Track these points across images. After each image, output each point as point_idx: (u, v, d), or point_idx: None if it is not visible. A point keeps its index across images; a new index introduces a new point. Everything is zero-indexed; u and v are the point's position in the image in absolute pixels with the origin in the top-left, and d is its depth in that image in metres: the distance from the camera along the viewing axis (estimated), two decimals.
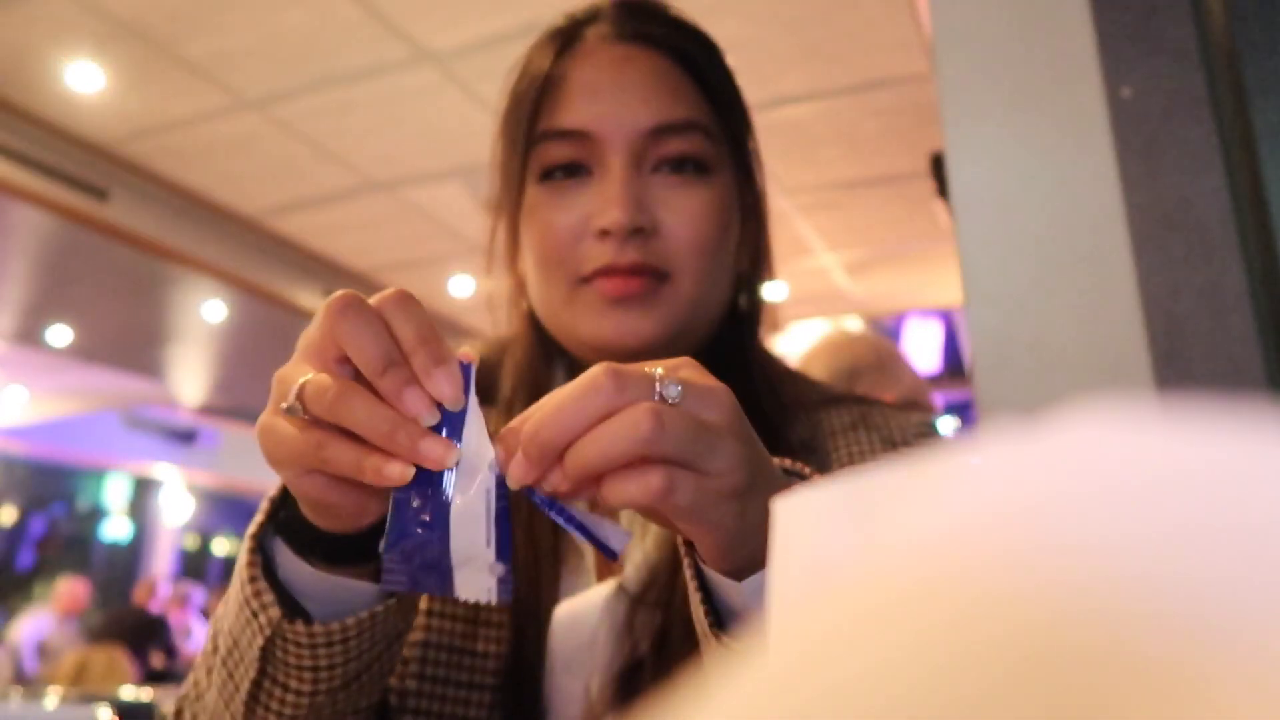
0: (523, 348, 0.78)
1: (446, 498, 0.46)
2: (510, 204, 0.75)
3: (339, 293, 0.47)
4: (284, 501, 0.55)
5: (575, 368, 0.78)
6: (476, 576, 0.46)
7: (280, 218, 5.21)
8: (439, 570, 0.46)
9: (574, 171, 0.71)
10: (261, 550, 0.55)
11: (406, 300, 0.48)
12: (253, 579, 0.53)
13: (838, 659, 0.14)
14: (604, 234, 0.68)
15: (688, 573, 0.51)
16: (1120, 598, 0.12)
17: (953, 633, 0.13)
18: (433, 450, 0.44)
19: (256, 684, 0.54)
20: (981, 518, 0.14)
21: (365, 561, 0.54)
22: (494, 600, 0.46)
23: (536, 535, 0.69)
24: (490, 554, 0.46)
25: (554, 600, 0.67)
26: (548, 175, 0.71)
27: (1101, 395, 0.93)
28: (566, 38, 0.74)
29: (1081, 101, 1.00)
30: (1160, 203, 0.94)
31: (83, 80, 3.85)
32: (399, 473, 0.45)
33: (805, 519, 0.19)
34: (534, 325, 0.77)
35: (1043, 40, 1.03)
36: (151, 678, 6.15)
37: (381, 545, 0.47)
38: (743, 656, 0.15)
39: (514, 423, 0.46)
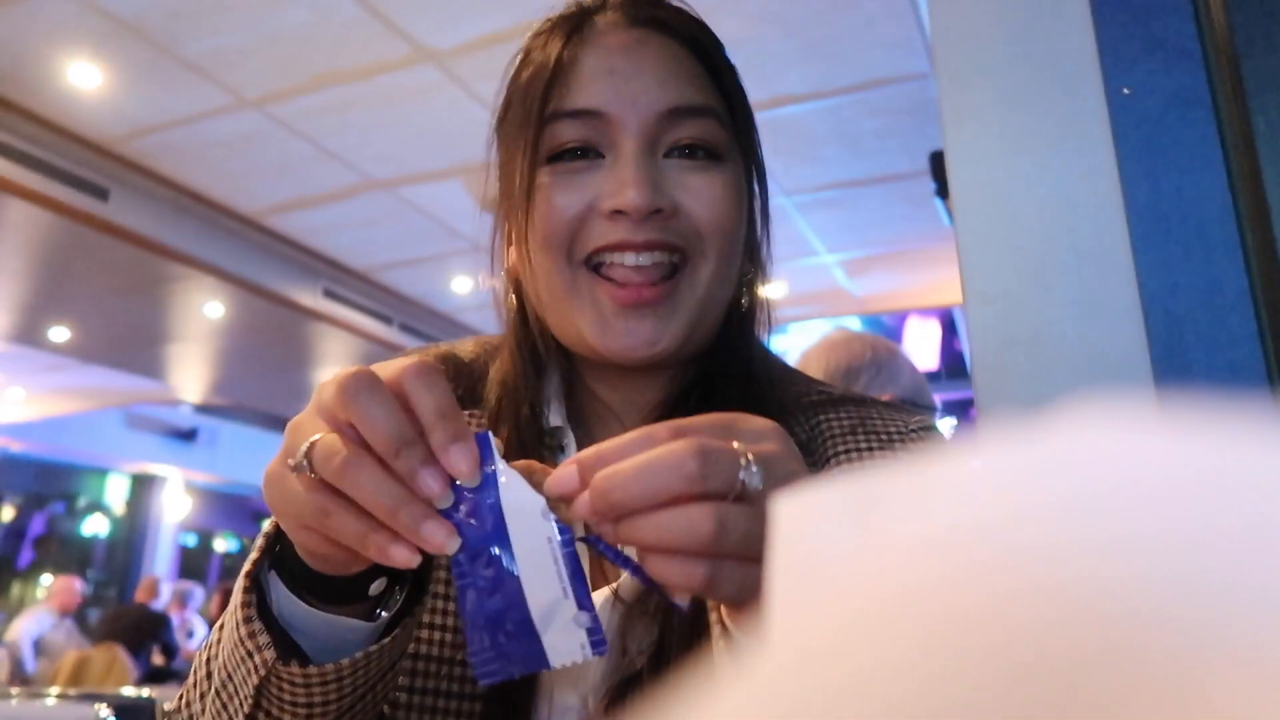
0: (509, 358, 0.75)
1: (511, 560, 0.44)
2: (512, 193, 0.72)
3: (351, 371, 0.45)
4: (280, 536, 0.55)
5: (573, 372, 0.76)
6: (565, 635, 0.45)
7: (280, 216, 5.21)
8: (527, 640, 0.45)
9: (584, 154, 0.69)
10: (258, 584, 0.54)
11: (426, 372, 0.46)
12: (248, 619, 0.53)
13: (837, 659, 0.14)
14: (616, 214, 0.66)
15: (715, 630, 0.50)
16: (1119, 598, 0.12)
17: (952, 633, 0.13)
18: (435, 535, 0.43)
19: (250, 716, 0.55)
20: (981, 520, 0.14)
21: (360, 599, 0.54)
22: (590, 656, 0.45)
23: None
24: (571, 604, 0.44)
25: None
26: (556, 158, 0.69)
27: (1101, 394, 0.93)
28: (574, 24, 0.73)
29: (1081, 100, 1.00)
30: (1160, 202, 0.94)
31: (83, 79, 3.85)
32: (405, 557, 0.44)
33: (805, 520, 0.19)
34: (525, 330, 0.75)
35: (1042, 40, 1.03)
36: (152, 676, 6.15)
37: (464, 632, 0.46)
38: (743, 657, 0.15)
39: (590, 454, 0.44)
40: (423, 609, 0.57)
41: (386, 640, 0.54)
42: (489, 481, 0.45)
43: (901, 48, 3.59)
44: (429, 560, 0.58)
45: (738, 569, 0.43)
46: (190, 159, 4.55)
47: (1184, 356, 0.91)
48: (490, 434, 0.46)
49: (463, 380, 0.76)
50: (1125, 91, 0.97)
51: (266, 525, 0.56)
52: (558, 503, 0.45)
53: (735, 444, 0.44)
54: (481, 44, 3.57)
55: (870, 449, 0.70)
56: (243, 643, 0.53)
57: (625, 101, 0.68)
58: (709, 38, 0.75)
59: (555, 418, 0.74)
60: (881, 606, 0.14)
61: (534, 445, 0.71)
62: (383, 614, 0.56)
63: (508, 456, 0.46)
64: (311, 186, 4.80)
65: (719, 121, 0.71)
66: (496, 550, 0.44)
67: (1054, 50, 1.02)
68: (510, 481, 0.45)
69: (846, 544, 0.17)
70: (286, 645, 0.53)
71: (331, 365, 6.55)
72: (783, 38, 3.53)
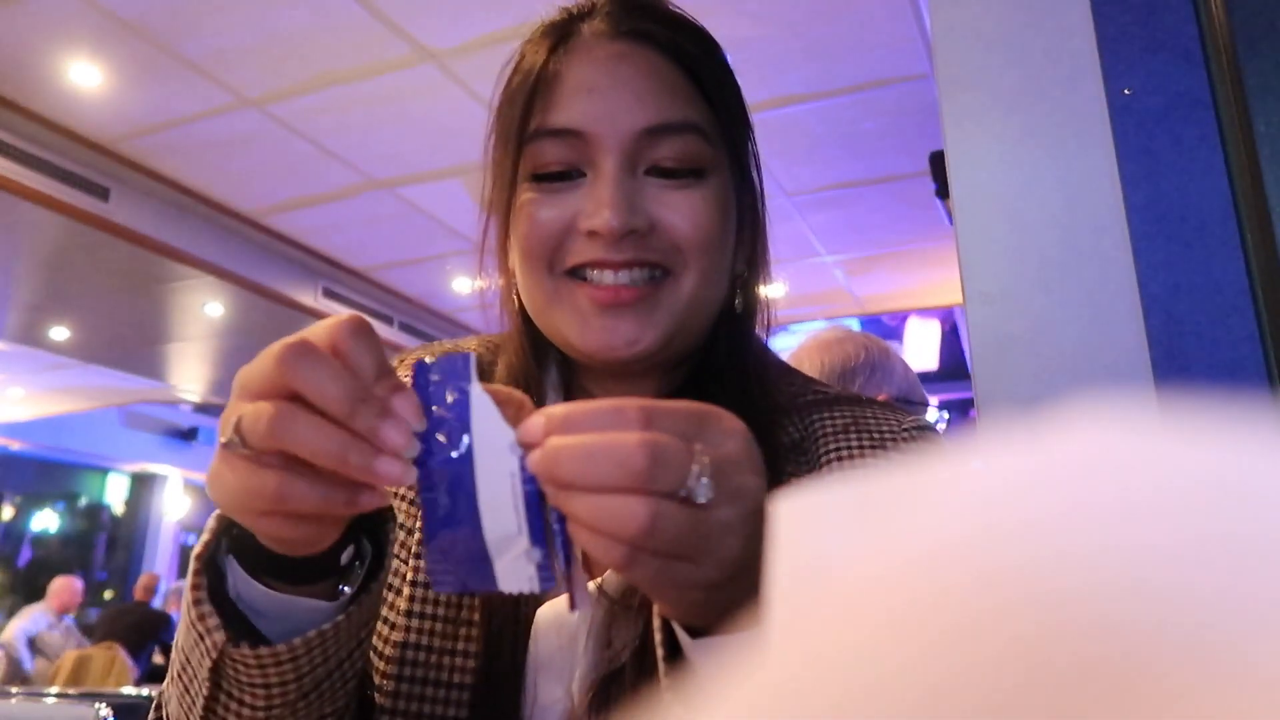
0: (514, 350, 0.77)
1: (472, 488, 0.45)
2: (501, 202, 0.74)
3: (283, 343, 0.44)
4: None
5: (570, 369, 0.77)
6: (516, 566, 0.45)
7: (280, 216, 5.21)
8: (479, 564, 0.46)
9: (566, 175, 0.70)
10: (213, 566, 0.54)
11: (361, 331, 0.46)
12: (197, 602, 0.52)
13: (839, 663, 0.14)
14: (593, 235, 0.67)
15: (655, 623, 0.52)
16: (1122, 608, 0.12)
17: (956, 641, 0.13)
18: (389, 470, 0.43)
19: (212, 698, 0.54)
20: (984, 527, 0.14)
21: (322, 577, 0.54)
22: (536, 589, 0.46)
23: None
24: (524, 540, 0.45)
25: (536, 600, 0.67)
26: (539, 177, 0.70)
27: (1101, 394, 0.93)
28: (561, 33, 0.73)
29: (1082, 101, 1.00)
30: (1160, 202, 0.94)
31: (83, 78, 3.85)
32: (387, 484, 0.44)
33: (806, 521, 0.19)
34: (527, 325, 0.76)
35: (1043, 40, 1.03)
36: (152, 676, 6.14)
37: (421, 544, 0.47)
38: (743, 661, 0.15)
39: (560, 414, 0.45)
40: (380, 584, 0.56)
41: (340, 618, 0.53)
42: (463, 402, 0.45)
43: (901, 48, 3.59)
44: (386, 533, 0.57)
45: (657, 561, 0.44)
46: (190, 159, 4.55)
47: (1184, 356, 0.91)
48: (472, 355, 0.46)
49: None
50: (1125, 92, 0.97)
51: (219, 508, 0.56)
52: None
53: (697, 445, 0.45)
54: (481, 44, 3.57)
55: (863, 448, 0.71)
56: (194, 626, 0.52)
57: (604, 120, 0.68)
58: (698, 45, 0.74)
59: None
60: (885, 612, 0.14)
61: None
62: (345, 590, 0.56)
63: None
64: (311, 186, 4.80)
65: (702, 135, 0.70)
66: (460, 471, 0.45)
67: (1054, 51, 1.02)
68: (482, 407, 0.45)
69: (848, 547, 0.17)
70: (241, 627, 0.53)
71: None
72: (783, 38, 3.53)
